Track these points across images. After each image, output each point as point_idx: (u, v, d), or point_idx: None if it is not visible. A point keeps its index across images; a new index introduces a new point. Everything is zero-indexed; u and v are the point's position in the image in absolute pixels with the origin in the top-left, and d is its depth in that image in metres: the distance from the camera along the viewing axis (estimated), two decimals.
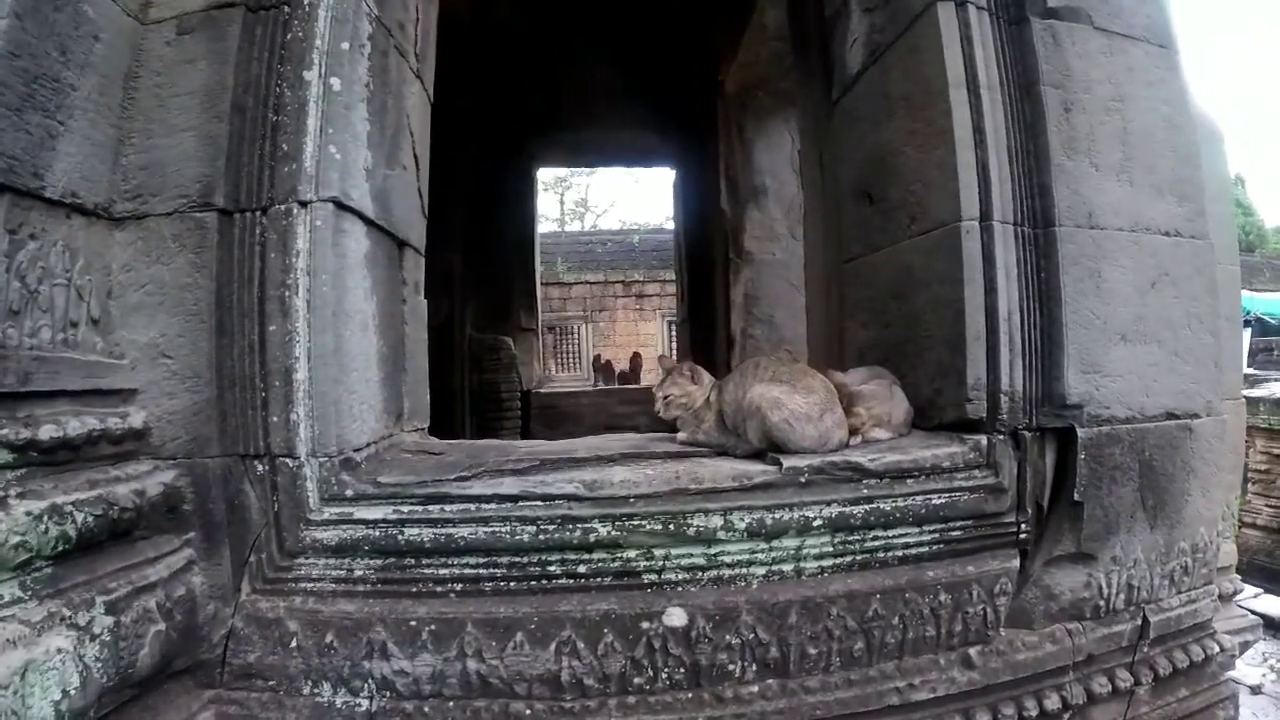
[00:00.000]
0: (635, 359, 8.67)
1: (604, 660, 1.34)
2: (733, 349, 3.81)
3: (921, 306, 1.62)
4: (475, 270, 5.05)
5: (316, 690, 1.37)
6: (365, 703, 1.37)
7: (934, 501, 1.43)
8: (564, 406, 5.68)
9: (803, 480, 1.38)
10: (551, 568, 1.36)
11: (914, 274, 1.64)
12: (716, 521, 1.35)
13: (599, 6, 4.17)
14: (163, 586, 1.33)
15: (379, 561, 1.37)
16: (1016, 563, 1.50)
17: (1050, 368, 1.50)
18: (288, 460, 1.37)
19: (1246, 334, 15.76)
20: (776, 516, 1.36)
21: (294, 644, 1.36)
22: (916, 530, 1.43)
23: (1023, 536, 1.51)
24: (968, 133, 1.51)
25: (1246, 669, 3.53)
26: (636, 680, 1.35)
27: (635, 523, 1.34)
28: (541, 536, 1.34)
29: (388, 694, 1.36)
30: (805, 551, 1.39)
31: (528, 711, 1.35)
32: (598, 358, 11.38)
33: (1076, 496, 1.50)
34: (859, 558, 1.42)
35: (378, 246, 1.53)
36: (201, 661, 1.40)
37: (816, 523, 1.38)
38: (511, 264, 5.69)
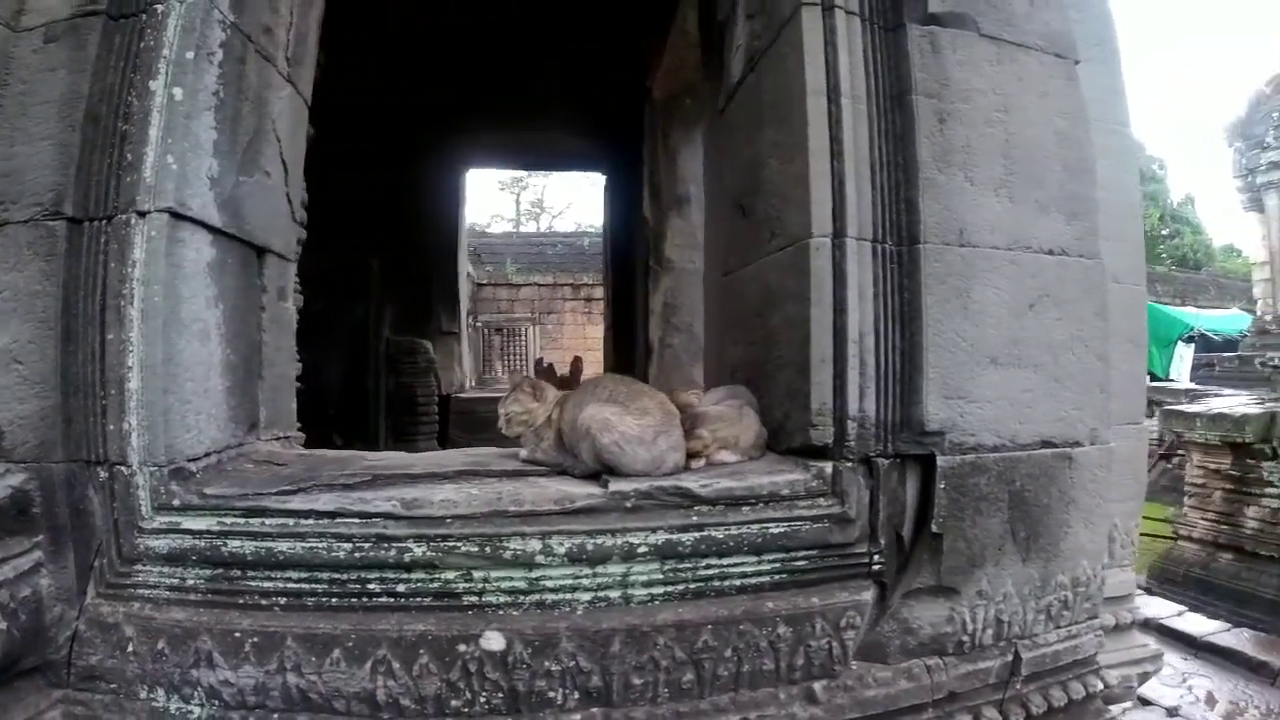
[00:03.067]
0: (576, 363, 8.65)
1: (419, 681, 1.32)
2: (651, 358, 3.75)
3: (777, 325, 1.55)
4: (397, 272, 5.05)
5: (152, 695, 1.38)
6: (197, 710, 1.37)
7: (772, 530, 1.37)
8: (482, 412, 5.44)
9: (628, 505, 1.33)
10: (371, 585, 1.34)
11: (772, 291, 1.57)
12: (535, 545, 1.31)
13: (535, 11, 4.12)
14: (8, 587, 1.35)
15: (208, 572, 1.38)
16: (869, 595, 1.44)
17: (909, 392, 1.43)
18: (123, 468, 1.38)
19: (1190, 350, 15.64)
20: (599, 542, 1.32)
21: (130, 649, 1.37)
22: (755, 559, 1.38)
23: (876, 568, 1.44)
24: (823, 144, 1.43)
25: (1164, 690, 3.46)
26: (454, 703, 1.33)
27: (451, 544, 1.31)
28: (357, 554, 1.32)
29: (216, 703, 1.37)
30: (633, 579, 1.35)
31: None
32: (539, 361, 11.40)
33: (935, 528, 1.42)
34: (692, 586, 1.37)
35: (226, 254, 1.53)
36: (50, 661, 1.42)
37: (642, 549, 1.33)
38: (434, 266, 5.64)
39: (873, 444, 1.42)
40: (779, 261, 1.55)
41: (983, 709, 1.50)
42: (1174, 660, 3.86)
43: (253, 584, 1.36)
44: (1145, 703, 3.25)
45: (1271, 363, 9.50)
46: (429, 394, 4.69)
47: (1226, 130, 12.08)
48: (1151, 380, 14.40)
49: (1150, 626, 4.18)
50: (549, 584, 1.34)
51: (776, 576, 1.39)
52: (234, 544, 1.35)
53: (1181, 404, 8.27)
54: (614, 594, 1.35)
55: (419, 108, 4.76)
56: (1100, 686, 1.59)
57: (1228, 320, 16.60)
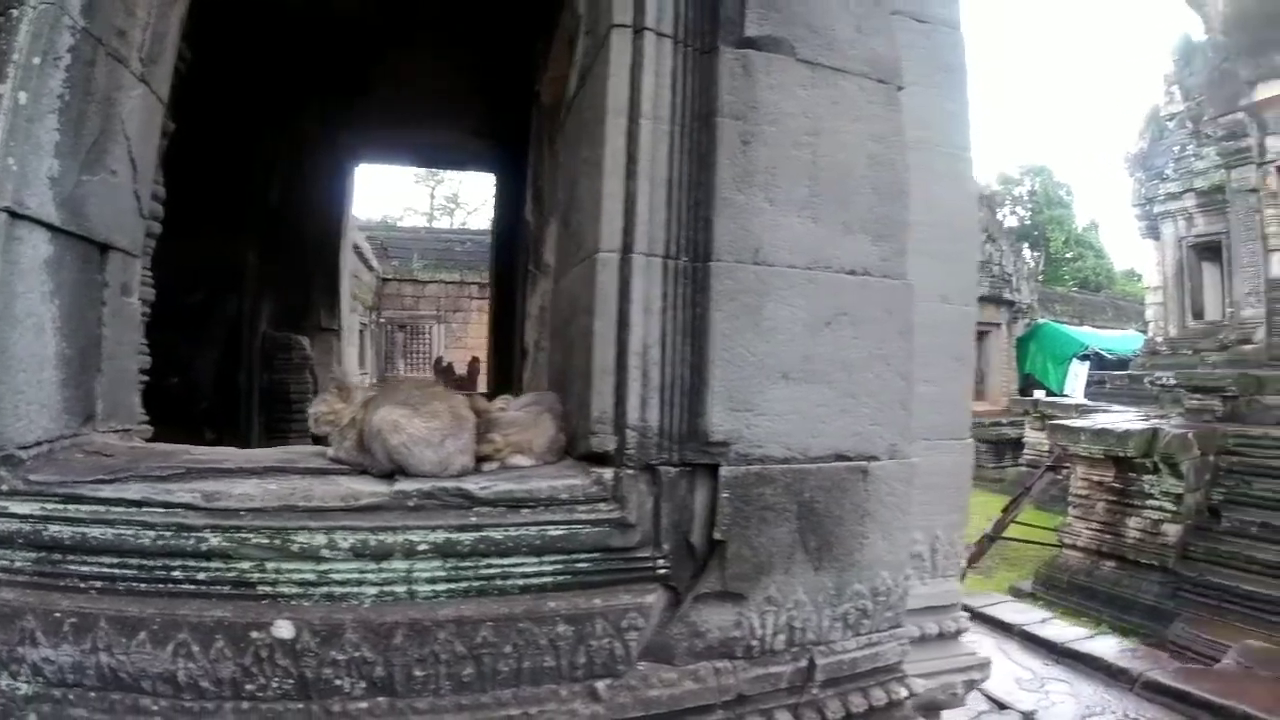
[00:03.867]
0: (473, 363, 8.65)
1: (216, 665, 1.40)
2: (525, 361, 3.77)
3: (574, 335, 1.61)
4: (275, 266, 4.91)
5: None
6: (24, 686, 1.47)
7: (551, 533, 1.43)
8: None
9: (410, 504, 1.41)
10: (175, 573, 1.43)
11: (574, 303, 1.63)
12: (320, 540, 1.39)
13: (429, 8, 4.11)
14: None
15: (33, 555, 1.47)
16: (653, 598, 1.49)
17: (696, 404, 1.48)
18: None
19: (1085, 368, 16.40)
20: (381, 539, 1.39)
21: None
22: (536, 560, 1.44)
23: (662, 572, 1.50)
24: (619, 163, 1.49)
25: (1023, 694, 3.57)
26: (249, 687, 1.41)
27: (244, 535, 1.40)
28: (160, 542, 1.41)
29: (40, 680, 1.46)
30: (416, 575, 1.42)
31: (155, 707, 1.43)
32: (439, 360, 11.42)
33: (718, 535, 1.47)
34: (475, 584, 1.43)
35: (66, 251, 1.62)
36: None
37: (423, 547, 1.40)
38: (316, 261, 5.45)
39: (654, 452, 1.47)
40: (578, 274, 1.61)
41: (775, 712, 1.55)
42: (1035, 666, 3.97)
43: (72, 567, 1.46)
44: (1003, 707, 3.30)
45: (1159, 382, 9.84)
46: (303, 391, 4.68)
47: (1128, 161, 12.67)
48: (1047, 395, 15.74)
49: (1014, 632, 4.30)
50: (336, 577, 1.41)
51: (559, 577, 1.45)
52: (54, 529, 1.45)
53: (1070, 419, 8.78)
54: (399, 589, 1.42)
55: (303, 97, 4.64)
56: (905, 694, 1.62)
57: (1122, 341, 17.39)
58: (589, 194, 1.58)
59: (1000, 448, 14.90)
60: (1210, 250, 10.94)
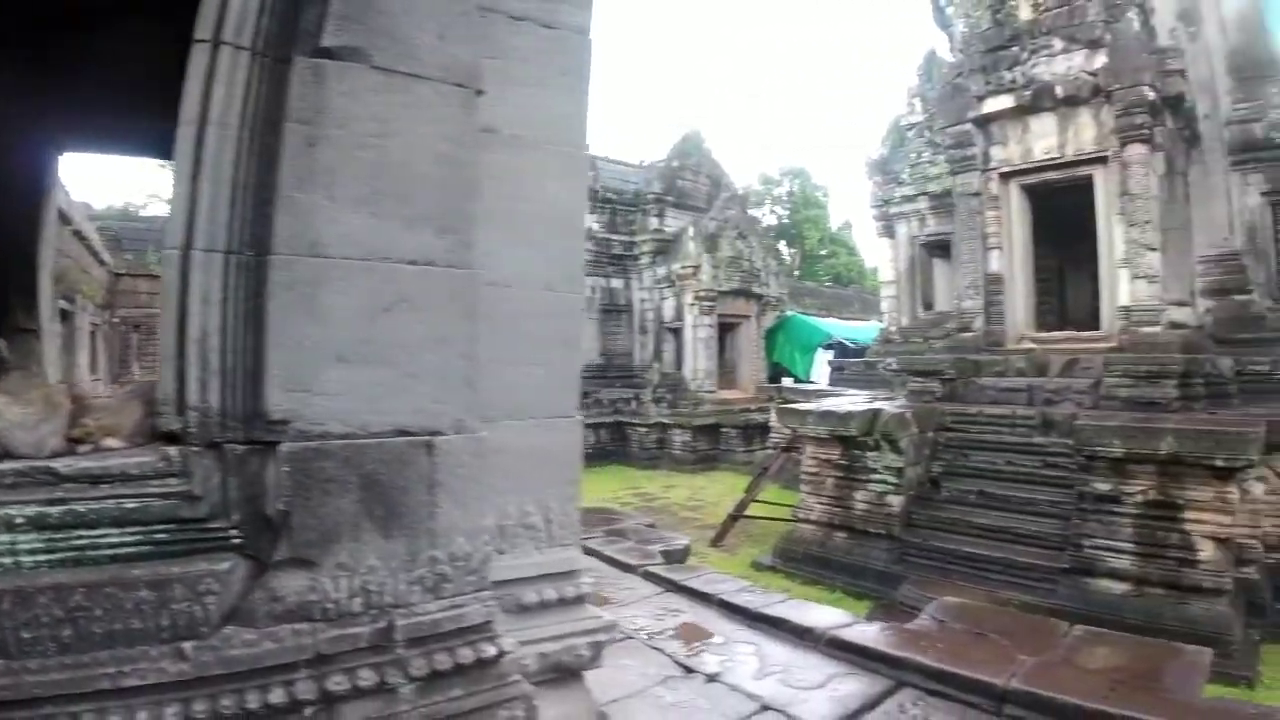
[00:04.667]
0: None
1: None
2: None
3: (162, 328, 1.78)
4: None
5: None
6: None
7: (127, 505, 1.60)
8: None
9: (8, 482, 1.61)
10: None
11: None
12: None
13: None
14: None
15: None
16: (228, 565, 1.64)
17: (256, 386, 1.62)
18: None
19: (829, 355, 17.31)
20: None
21: None
22: (119, 531, 1.62)
23: (236, 541, 1.65)
24: (185, 168, 1.64)
25: (709, 657, 3.70)
26: None
27: None
28: None
29: None
30: (20, 547, 1.62)
31: None
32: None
33: (281, 506, 1.61)
34: (70, 554, 1.62)
35: None
36: None
37: (19, 520, 1.60)
38: (10, 257, 4.64)
39: (218, 431, 1.63)
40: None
41: (359, 670, 1.67)
42: (729, 630, 4.08)
43: None
44: (690, 671, 3.34)
45: (890, 367, 10.93)
46: None
47: (868, 166, 13.78)
48: (794, 382, 16.89)
49: (712, 601, 4.48)
50: None
51: (141, 547, 1.62)
52: None
53: (800, 403, 9.31)
54: (6, 560, 1.63)
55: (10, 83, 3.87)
56: (494, 652, 1.71)
57: (865, 331, 18.47)
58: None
59: (749, 432, 15.52)
60: (941, 248, 11.88)
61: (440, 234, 1.69)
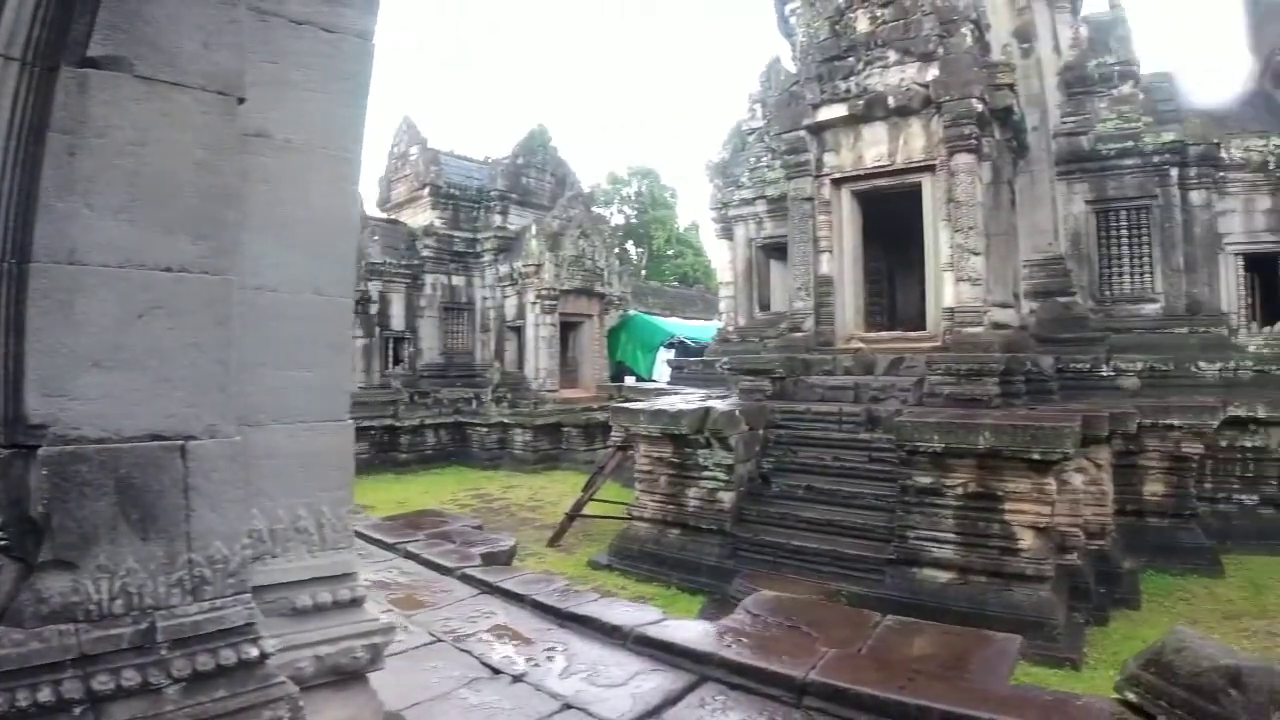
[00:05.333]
0: None
1: None
2: None
3: None
4: None
5: None
6: None
7: None
8: None
9: None
10: None
11: None
12: None
13: None
14: None
15: None
16: None
17: (18, 392, 1.67)
18: None
19: (670, 354, 17.79)
20: None
21: None
22: None
23: (3, 543, 1.69)
24: None
25: (518, 658, 3.73)
26: None
27: None
28: None
29: None
30: None
31: None
32: None
33: (40, 509, 1.65)
34: None
35: None
36: None
37: None
38: None
39: None
40: None
41: (123, 670, 1.70)
42: (538, 630, 4.09)
43: None
44: (497, 672, 3.32)
45: (725, 366, 11.21)
46: None
47: (709, 169, 13.97)
48: (636, 381, 17.15)
49: (525, 602, 4.47)
50: None
51: None
52: None
53: (633, 402, 9.35)
54: None
55: None
56: (256, 653, 1.74)
57: (706, 330, 18.73)
58: None
59: (591, 431, 15.46)
60: (778, 250, 12.07)
61: (196, 240, 1.71)
